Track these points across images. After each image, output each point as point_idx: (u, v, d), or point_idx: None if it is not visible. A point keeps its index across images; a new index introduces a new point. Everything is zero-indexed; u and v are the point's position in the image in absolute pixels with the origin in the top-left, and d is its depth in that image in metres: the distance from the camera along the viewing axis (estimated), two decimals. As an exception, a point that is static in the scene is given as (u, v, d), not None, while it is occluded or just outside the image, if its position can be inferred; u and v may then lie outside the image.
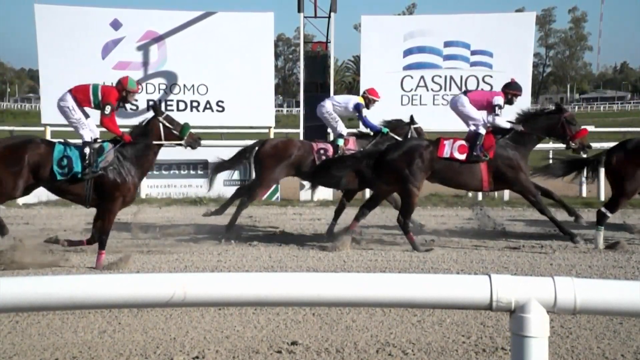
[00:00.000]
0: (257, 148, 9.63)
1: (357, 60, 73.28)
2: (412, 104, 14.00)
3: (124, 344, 4.93)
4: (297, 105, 36.81)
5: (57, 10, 13.75)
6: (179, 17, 13.95)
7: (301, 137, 14.25)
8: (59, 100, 8.16)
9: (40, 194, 12.56)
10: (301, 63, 15.66)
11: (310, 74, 15.56)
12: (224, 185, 11.92)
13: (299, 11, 14.55)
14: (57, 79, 13.38)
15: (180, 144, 8.20)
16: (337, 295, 2.37)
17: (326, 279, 2.43)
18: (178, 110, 13.85)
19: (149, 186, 13.19)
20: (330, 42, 15.34)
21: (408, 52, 14.06)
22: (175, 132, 8.07)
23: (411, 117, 10.33)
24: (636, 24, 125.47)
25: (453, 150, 8.66)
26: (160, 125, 8.06)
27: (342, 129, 10.07)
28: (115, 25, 13.62)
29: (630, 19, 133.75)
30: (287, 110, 68.28)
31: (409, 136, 9.85)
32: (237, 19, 14.08)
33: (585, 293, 2.25)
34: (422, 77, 14.05)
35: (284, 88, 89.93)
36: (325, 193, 13.09)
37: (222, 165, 9.89)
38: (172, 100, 13.90)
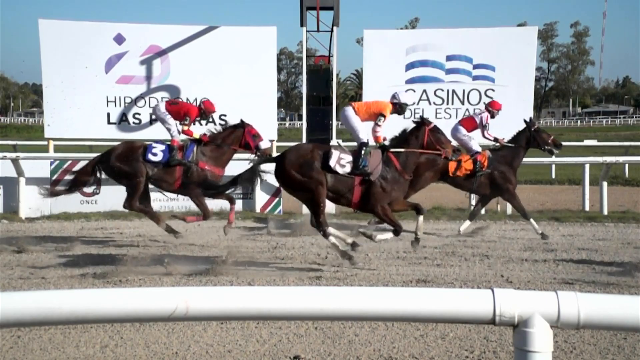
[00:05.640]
0: None
1: (359, 74, 73.56)
2: (414, 118, 13.98)
3: (126, 358, 4.92)
4: (300, 119, 36.87)
5: (61, 25, 13.83)
6: (182, 31, 14.02)
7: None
8: None
9: (43, 206, 12.65)
10: (304, 77, 15.71)
11: (313, 87, 15.62)
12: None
13: (301, 25, 14.62)
14: (60, 94, 13.49)
15: None
16: (340, 309, 2.36)
17: (329, 293, 2.42)
18: (181, 123, 13.87)
19: (151, 200, 13.15)
20: (332, 56, 15.40)
21: (410, 66, 14.11)
22: None
23: None
24: (638, 39, 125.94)
25: None
26: None
27: None
28: (119, 39, 13.69)
29: (632, 34, 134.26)
30: (290, 124, 68.52)
31: None
32: (240, 33, 14.13)
33: (589, 308, 2.24)
34: (424, 90, 14.09)
35: (287, 101, 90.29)
36: (328, 206, 13.07)
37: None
38: (175, 114, 13.92)
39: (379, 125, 8.54)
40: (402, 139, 8.46)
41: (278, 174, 8.48)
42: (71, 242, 9.77)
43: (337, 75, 37.23)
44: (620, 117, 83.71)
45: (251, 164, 9.09)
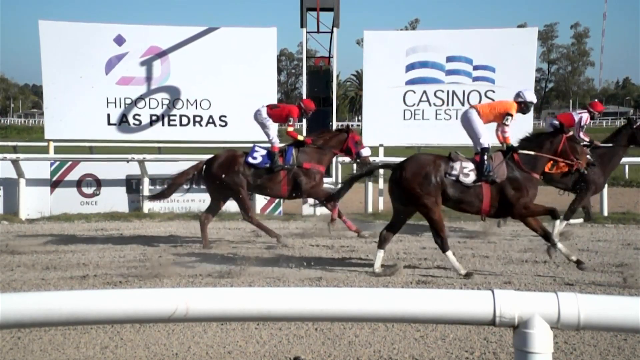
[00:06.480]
0: None
1: (359, 75, 73.51)
2: (414, 119, 14.04)
3: (126, 359, 4.92)
4: (300, 120, 36.76)
5: (61, 26, 13.83)
6: (182, 32, 14.02)
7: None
8: None
9: (43, 208, 12.65)
10: (304, 78, 15.69)
11: (313, 88, 15.59)
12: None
13: (301, 26, 14.61)
14: (61, 95, 13.50)
15: None
16: (340, 310, 2.36)
17: (329, 294, 2.42)
18: (181, 125, 13.90)
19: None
20: (332, 57, 15.39)
21: (410, 67, 14.09)
22: None
23: None
24: (638, 40, 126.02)
25: None
26: None
27: None
28: (119, 40, 13.69)
29: (632, 35, 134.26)
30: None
31: None
32: (240, 34, 14.13)
33: (589, 309, 2.24)
34: (424, 91, 14.07)
35: (287, 102, 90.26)
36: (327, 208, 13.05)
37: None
38: (175, 115, 13.94)
39: (507, 125, 8.27)
40: (537, 142, 8.21)
41: (395, 184, 8.12)
42: (71, 243, 9.79)
43: (337, 76, 37.16)
44: (620, 118, 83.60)
45: (363, 170, 9.13)
